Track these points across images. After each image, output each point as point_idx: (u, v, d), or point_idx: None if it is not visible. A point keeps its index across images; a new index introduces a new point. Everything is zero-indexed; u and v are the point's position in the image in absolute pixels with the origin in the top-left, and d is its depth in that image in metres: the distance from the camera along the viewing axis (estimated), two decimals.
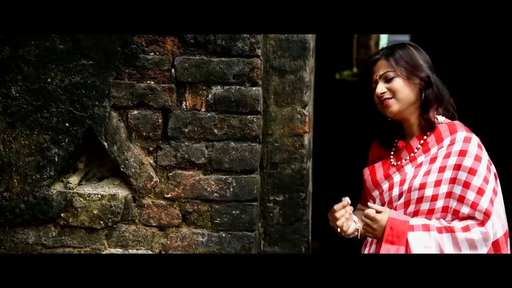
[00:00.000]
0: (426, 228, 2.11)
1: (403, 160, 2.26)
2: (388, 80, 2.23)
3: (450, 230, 2.09)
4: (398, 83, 2.22)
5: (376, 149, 2.40)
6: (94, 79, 2.58)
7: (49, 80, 2.59)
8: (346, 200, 2.22)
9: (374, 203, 2.30)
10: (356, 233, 2.24)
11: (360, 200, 2.45)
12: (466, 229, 2.09)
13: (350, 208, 2.22)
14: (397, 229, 2.11)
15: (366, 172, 2.35)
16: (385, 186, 2.26)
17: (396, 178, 2.24)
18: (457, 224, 2.10)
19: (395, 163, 2.28)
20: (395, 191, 2.22)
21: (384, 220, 2.14)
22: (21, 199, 2.62)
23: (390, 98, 2.22)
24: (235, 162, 2.58)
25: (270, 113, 2.69)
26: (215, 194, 2.59)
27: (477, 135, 2.23)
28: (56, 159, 2.61)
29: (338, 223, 2.19)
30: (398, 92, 2.22)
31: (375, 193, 2.30)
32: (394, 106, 2.22)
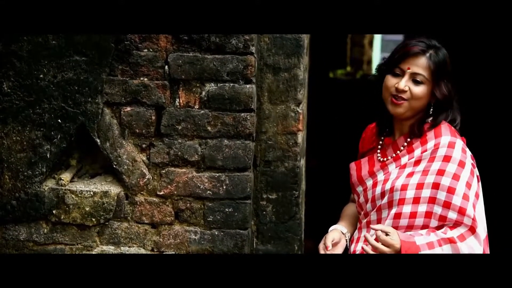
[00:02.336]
0: (431, 246, 2.08)
1: (388, 158, 2.25)
2: (415, 81, 2.15)
3: (450, 241, 2.08)
4: (422, 92, 2.14)
5: (368, 138, 2.38)
6: (87, 75, 2.57)
7: (41, 76, 2.57)
8: (328, 245, 2.24)
9: (359, 198, 2.30)
10: (346, 243, 2.28)
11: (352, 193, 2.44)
12: (462, 238, 2.09)
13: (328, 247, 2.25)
14: (410, 252, 2.07)
15: (353, 167, 2.35)
16: (369, 183, 2.26)
17: (380, 176, 2.24)
18: (453, 234, 2.09)
19: (381, 159, 2.27)
20: (378, 189, 2.21)
21: (398, 244, 2.06)
22: (12, 195, 2.60)
23: (406, 100, 2.15)
24: (229, 159, 2.57)
25: (264, 111, 2.68)
26: (208, 191, 2.58)
27: (467, 135, 2.22)
28: (48, 155, 2.60)
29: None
30: (416, 99, 2.15)
31: (359, 189, 2.30)
32: (403, 109, 2.16)
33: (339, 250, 2.26)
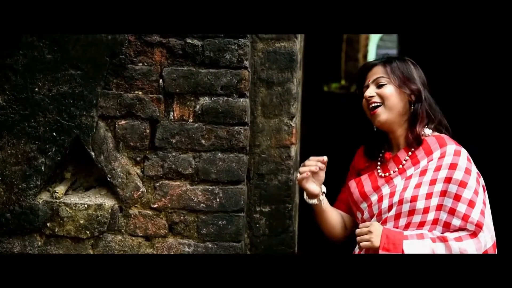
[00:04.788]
0: (420, 236, 2.13)
1: (392, 172, 2.27)
2: (379, 85, 2.24)
3: (443, 240, 2.11)
4: (389, 90, 2.23)
5: (362, 157, 2.41)
6: (82, 89, 2.59)
7: (36, 89, 2.59)
8: (324, 157, 2.28)
9: (362, 215, 2.31)
10: (316, 200, 2.30)
11: (334, 203, 2.47)
12: (458, 239, 2.11)
13: (323, 162, 2.28)
14: (393, 237, 2.13)
15: (353, 184, 2.36)
16: (374, 198, 2.27)
17: (385, 190, 2.25)
18: (449, 235, 2.12)
19: (383, 175, 2.29)
20: (385, 203, 2.22)
21: (380, 228, 2.16)
22: (6, 208, 2.61)
23: (379, 106, 2.22)
24: (222, 172, 2.59)
25: (258, 125, 2.70)
26: (202, 204, 2.59)
27: (463, 142, 2.25)
28: (42, 168, 2.61)
29: (302, 169, 2.28)
30: (387, 99, 2.22)
31: (363, 205, 2.30)
32: (383, 114, 2.23)
33: (311, 183, 2.31)
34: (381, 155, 2.34)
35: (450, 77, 6.62)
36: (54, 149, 2.61)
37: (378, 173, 2.30)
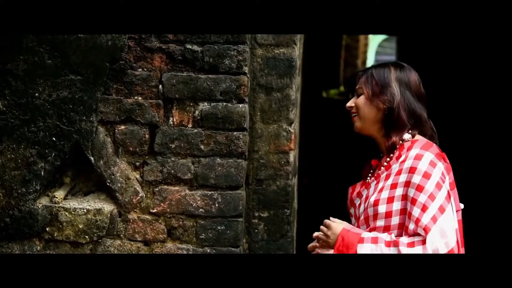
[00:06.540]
0: (375, 240, 2.13)
1: (371, 178, 2.31)
2: (359, 95, 2.30)
3: (396, 244, 2.11)
4: (361, 101, 2.28)
5: (365, 169, 2.44)
6: (82, 94, 2.60)
7: (37, 94, 2.60)
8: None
9: (353, 221, 2.34)
10: None
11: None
12: (410, 245, 2.09)
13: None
14: (348, 239, 2.14)
15: (349, 191, 2.40)
16: (358, 203, 2.32)
17: (365, 194, 2.29)
18: (404, 240, 2.12)
19: (369, 180, 2.32)
20: (362, 208, 2.26)
21: (338, 230, 2.18)
22: (6, 213, 2.62)
23: (356, 114, 2.28)
24: (221, 178, 2.60)
25: (256, 130, 2.71)
26: (201, 209, 2.60)
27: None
28: (42, 173, 2.62)
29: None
30: (359, 109, 2.28)
31: (352, 211, 2.34)
32: (357, 123, 2.29)
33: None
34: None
35: (449, 83, 6.64)
36: (53, 154, 2.62)
37: (367, 179, 2.33)
